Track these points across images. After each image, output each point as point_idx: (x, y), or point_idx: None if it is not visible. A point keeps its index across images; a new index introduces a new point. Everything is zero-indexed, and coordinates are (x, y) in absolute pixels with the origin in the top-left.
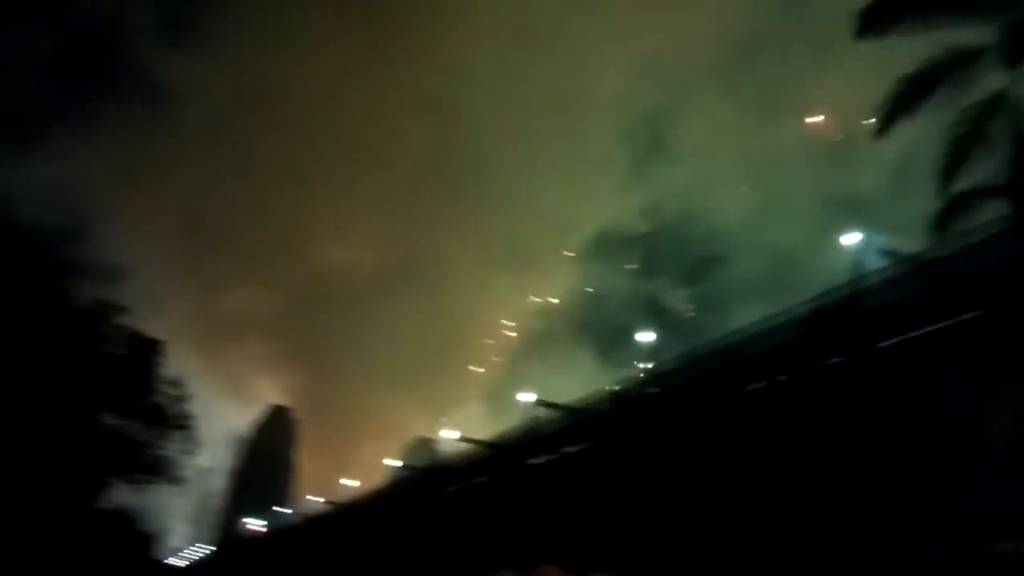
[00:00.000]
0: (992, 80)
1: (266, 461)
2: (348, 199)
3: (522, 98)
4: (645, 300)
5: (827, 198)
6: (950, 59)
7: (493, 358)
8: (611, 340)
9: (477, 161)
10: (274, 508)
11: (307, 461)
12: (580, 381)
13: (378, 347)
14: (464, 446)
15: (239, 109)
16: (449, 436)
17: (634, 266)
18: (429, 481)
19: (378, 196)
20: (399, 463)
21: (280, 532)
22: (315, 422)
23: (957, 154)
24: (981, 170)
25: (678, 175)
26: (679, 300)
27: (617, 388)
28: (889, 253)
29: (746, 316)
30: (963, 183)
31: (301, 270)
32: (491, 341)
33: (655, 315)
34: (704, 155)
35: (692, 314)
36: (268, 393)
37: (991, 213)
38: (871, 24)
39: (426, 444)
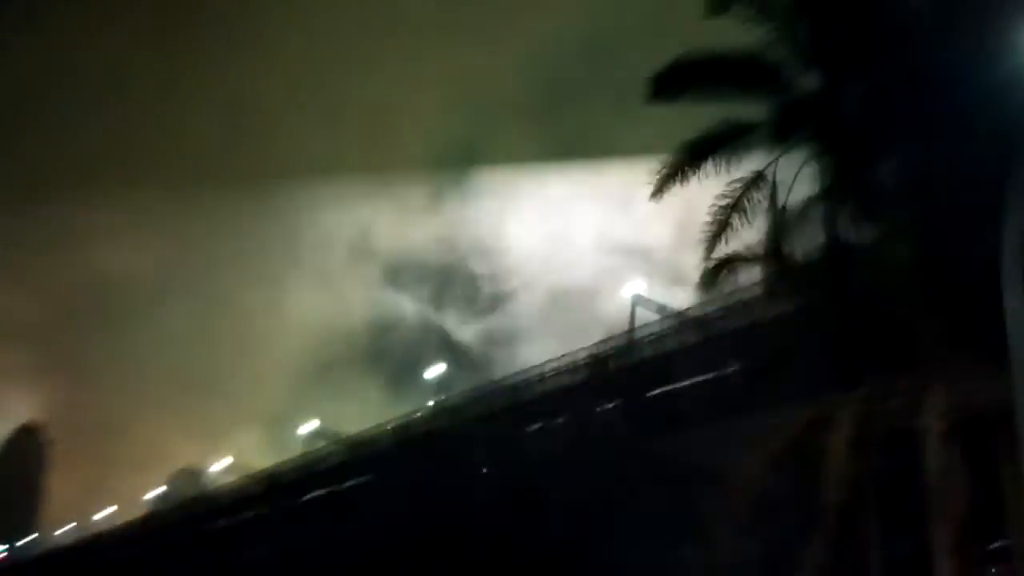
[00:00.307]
0: (762, 154)
1: (10, 484)
2: (131, 202)
3: (329, 114)
4: (437, 331)
5: (616, 246)
6: (726, 131)
7: (276, 383)
8: (401, 370)
9: (275, 172)
10: (17, 536)
11: (58, 486)
12: (367, 411)
13: (149, 364)
14: (236, 477)
15: (7, 99)
16: (220, 465)
17: (428, 296)
18: (194, 513)
19: (166, 200)
20: (162, 492)
21: (22, 563)
22: (71, 443)
23: (722, 221)
24: (743, 237)
25: (476, 208)
26: (470, 333)
27: (401, 422)
28: (661, 307)
29: (532, 353)
30: (726, 248)
31: (69, 275)
32: (275, 364)
33: (446, 347)
34: (502, 191)
35: (481, 348)
36: (19, 409)
37: (749, 278)
38: (660, 92)
39: (194, 472)
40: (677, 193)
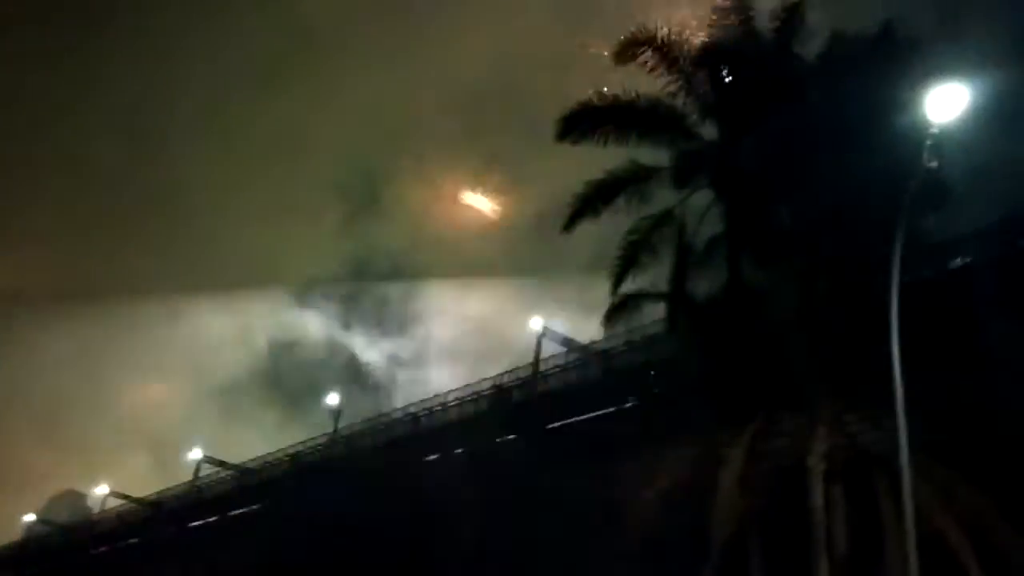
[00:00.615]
0: (666, 196)
1: None
2: (21, 220)
3: (235, 134)
4: (343, 354)
5: (527, 277)
6: (631, 173)
7: (167, 406)
8: (302, 394)
9: (175, 191)
10: None
11: None
12: (264, 436)
13: (29, 383)
14: (119, 502)
15: None
16: (101, 491)
17: (335, 318)
18: (75, 539)
19: (57, 220)
20: (36, 517)
21: None
22: None
23: (628, 258)
24: (648, 276)
25: (388, 232)
26: (377, 355)
27: (298, 449)
28: (566, 340)
29: (440, 377)
30: (632, 285)
31: None
32: (165, 387)
33: (351, 370)
34: (414, 217)
35: (388, 371)
36: None
37: (652, 315)
38: (567, 133)
39: (73, 498)
40: (595, 226)
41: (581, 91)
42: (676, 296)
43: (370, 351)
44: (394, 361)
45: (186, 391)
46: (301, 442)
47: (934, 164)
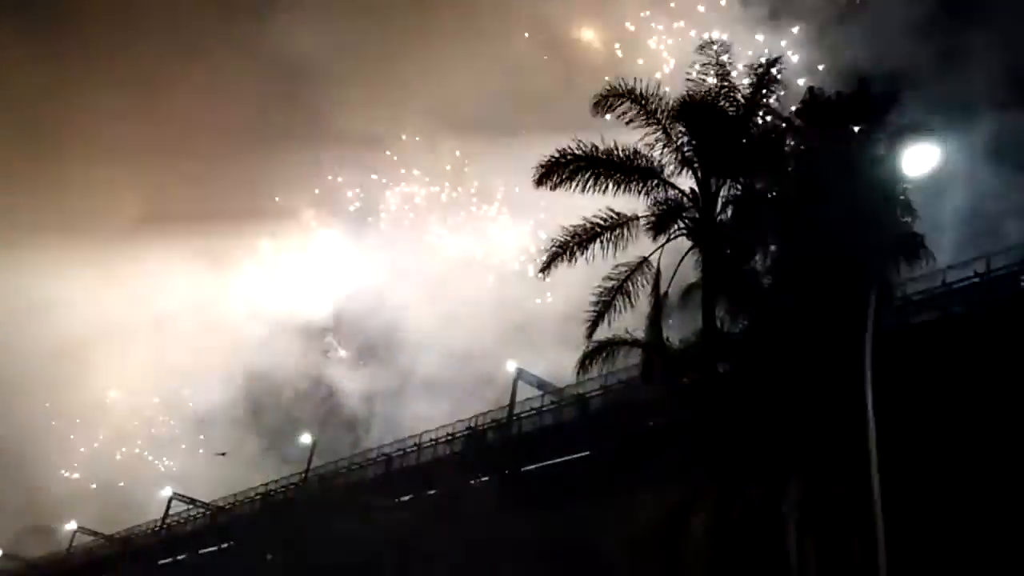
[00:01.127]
0: (642, 243)
1: None
2: None
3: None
4: (323, 386)
5: (509, 319)
6: (608, 221)
7: (138, 440)
8: (279, 430)
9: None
10: None
11: None
12: (238, 474)
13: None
14: (88, 538)
15: None
16: (70, 527)
17: (316, 349)
18: (44, 574)
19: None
20: (3, 552)
21: None
22: None
23: (606, 302)
24: (624, 320)
25: (376, 260)
26: (357, 388)
27: (268, 489)
28: (542, 383)
29: (419, 409)
30: (608, 330)
31: None
32: (137, 422)
33: (329, 404)
34: (399, 247)
35: (367, 404)
36: None
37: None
38: (544, 179)
39: (42, 533)
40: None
41: (570, 128)
42: (651, 344)
43: (349, 382)
44: (373, 394)
45: (160, 423)
46: (274, 480)
47: (907, 219)
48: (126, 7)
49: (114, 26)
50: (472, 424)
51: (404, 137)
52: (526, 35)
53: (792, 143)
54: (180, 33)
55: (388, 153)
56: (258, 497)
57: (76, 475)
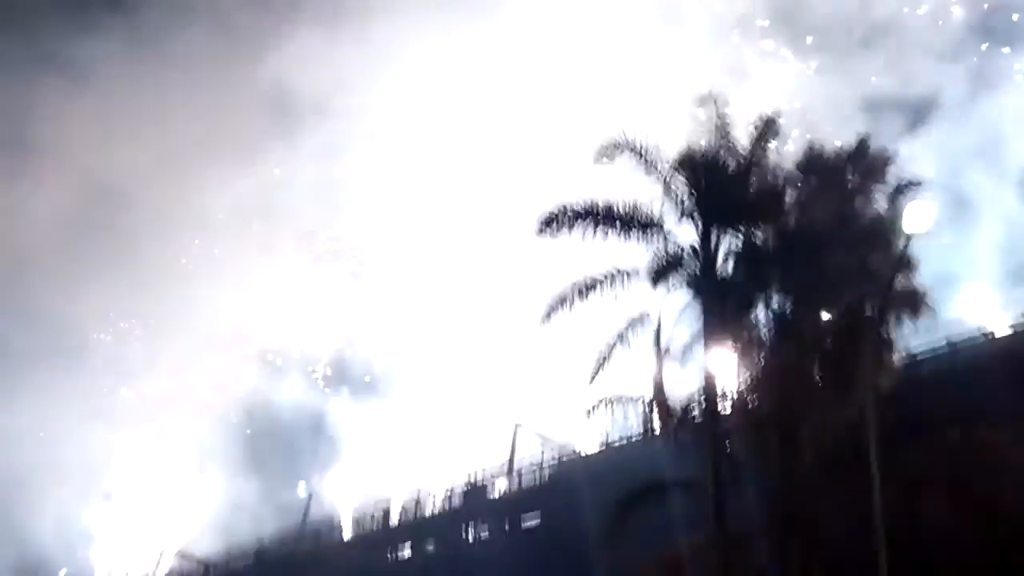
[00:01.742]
0: (643, 294)
1: None
2: None
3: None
4: (323, 420)
5: (510, 371)
6: (610, 274)
7: (132, 481)
8: (278, 472)
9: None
10: None
11: None
12: (236, 520)
13: None
14: None
15: None
16: None
17: (316, 382)
18: None
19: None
20: None
21: None
22: None
23: (605, 356)
24: (627, 371)
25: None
26: (356, 420)
27: (264, 544)
28: (543, 440)
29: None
30: (610, 382)
31: None
32: (127, 465)
33: (331, 448)
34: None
35: (366, 436)
36: None
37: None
38: (545, 228)
39: None
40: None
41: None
42: (652, 401)
43: (349, 415)
44: (374, 426)
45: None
46: (269, 534)
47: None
48: None
49: None
50: (472, 479)
51: None
52: None
53: (792, 197)
54: None
55: None
56: (251, 553)
57: (66, 527)
